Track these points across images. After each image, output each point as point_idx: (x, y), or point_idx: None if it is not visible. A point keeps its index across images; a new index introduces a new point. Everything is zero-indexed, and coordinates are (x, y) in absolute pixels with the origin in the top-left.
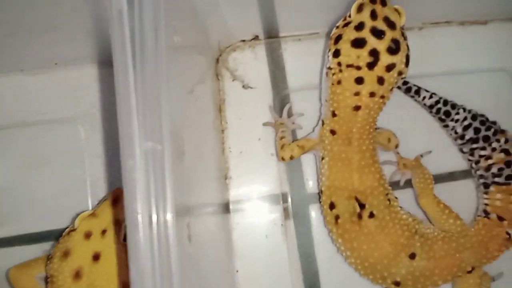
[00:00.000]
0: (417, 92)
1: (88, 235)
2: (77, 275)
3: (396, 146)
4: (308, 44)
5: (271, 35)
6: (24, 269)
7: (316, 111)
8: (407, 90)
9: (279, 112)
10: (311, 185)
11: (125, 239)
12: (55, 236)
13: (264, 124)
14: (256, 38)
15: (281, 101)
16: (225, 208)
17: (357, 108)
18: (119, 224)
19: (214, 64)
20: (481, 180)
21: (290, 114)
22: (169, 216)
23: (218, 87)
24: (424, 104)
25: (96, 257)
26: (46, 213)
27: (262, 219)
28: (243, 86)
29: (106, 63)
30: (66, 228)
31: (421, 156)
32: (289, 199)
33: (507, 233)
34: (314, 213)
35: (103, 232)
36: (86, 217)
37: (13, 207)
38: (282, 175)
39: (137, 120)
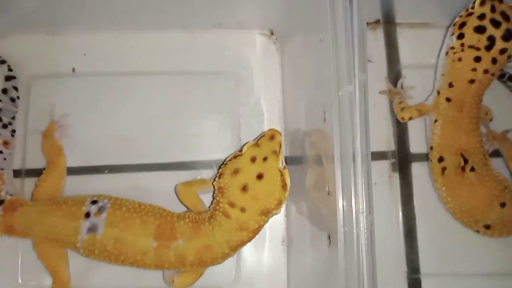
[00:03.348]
0: (510, 78)
1: (253, 159)
2: (244, 188)
3: (491, 120)
4: (419, 31)
5: (389, 20)
6: (188, 186)
7: (422, 85)
8: (501, 76)
9: (393, 83)
10: (414, 146)
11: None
12: (204, 165)
13: (381, 92)
14: (377, 22)
15: (394, 75)
16: None
17: (472, 81)
18: (276, 154)
19: None
20: None
21: (402, 86)
22: None
23: None
24: None
25: (259, 177)
26: (192, 146)
27: (374, 169)
28: None
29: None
30: (224, 159)
31: (507, 131)
32: (396, 156)
33: None
34: (415, 170)
35: (265, 158)
36: (252, 145)
37: (166, 138)
38: (390, 136)
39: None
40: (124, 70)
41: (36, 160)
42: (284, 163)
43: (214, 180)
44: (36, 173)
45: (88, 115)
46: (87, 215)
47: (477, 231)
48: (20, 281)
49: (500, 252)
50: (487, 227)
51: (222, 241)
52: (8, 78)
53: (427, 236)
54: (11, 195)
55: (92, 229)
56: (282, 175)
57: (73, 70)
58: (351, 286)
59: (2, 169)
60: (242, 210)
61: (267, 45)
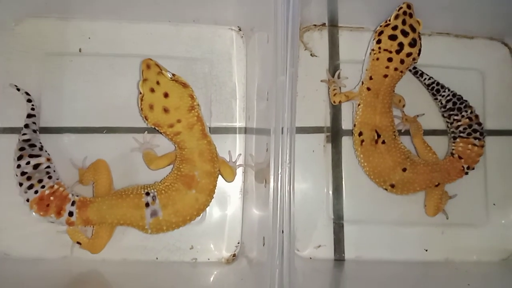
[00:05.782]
0: (421, 74)
1: (152, 90)
2: (165, 110)
3: (403, 106)
4: (356, 34)
5: (333, 24)
6: (151, 162)
7: (356, 77)
8: (415, 73)
9: (332, 74)
10: (345, 123)
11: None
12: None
13: (322, 81)
14: (323, 24)
15: (334, 67)
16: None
17: (386, 76)
18: (161, 73)
19: None
20: (452, 134)
21: (339, 77)
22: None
23: None
24: (424, 83)
25: (166, 95)
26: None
27: (312, 140)
28: (311, 54)
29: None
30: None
31: (417, 116)
32: (330, 131)
33: (462, 166)
34: (344, 142)
35: (157, 82)
36: (142, 83)
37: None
38: (327, 115)
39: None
40: (121, 52)
41: (47, 121)
42: (171, 73)
43: (148, 123)
44: (47, 130)
45: (91, 87)
46: (147, 204)
47: (385, 189)
48: None
49: (402, 206)
50: (392, 186)
51: (195, 141)
52: (29, 116)
53: (350, 192)
54: (77, 195)
55: (154, 214)
56: (176, 80)
57: (80, 50)
58: (276, 211)
59: (57, 179)
60: (179, 121)
61: (236, 39)
